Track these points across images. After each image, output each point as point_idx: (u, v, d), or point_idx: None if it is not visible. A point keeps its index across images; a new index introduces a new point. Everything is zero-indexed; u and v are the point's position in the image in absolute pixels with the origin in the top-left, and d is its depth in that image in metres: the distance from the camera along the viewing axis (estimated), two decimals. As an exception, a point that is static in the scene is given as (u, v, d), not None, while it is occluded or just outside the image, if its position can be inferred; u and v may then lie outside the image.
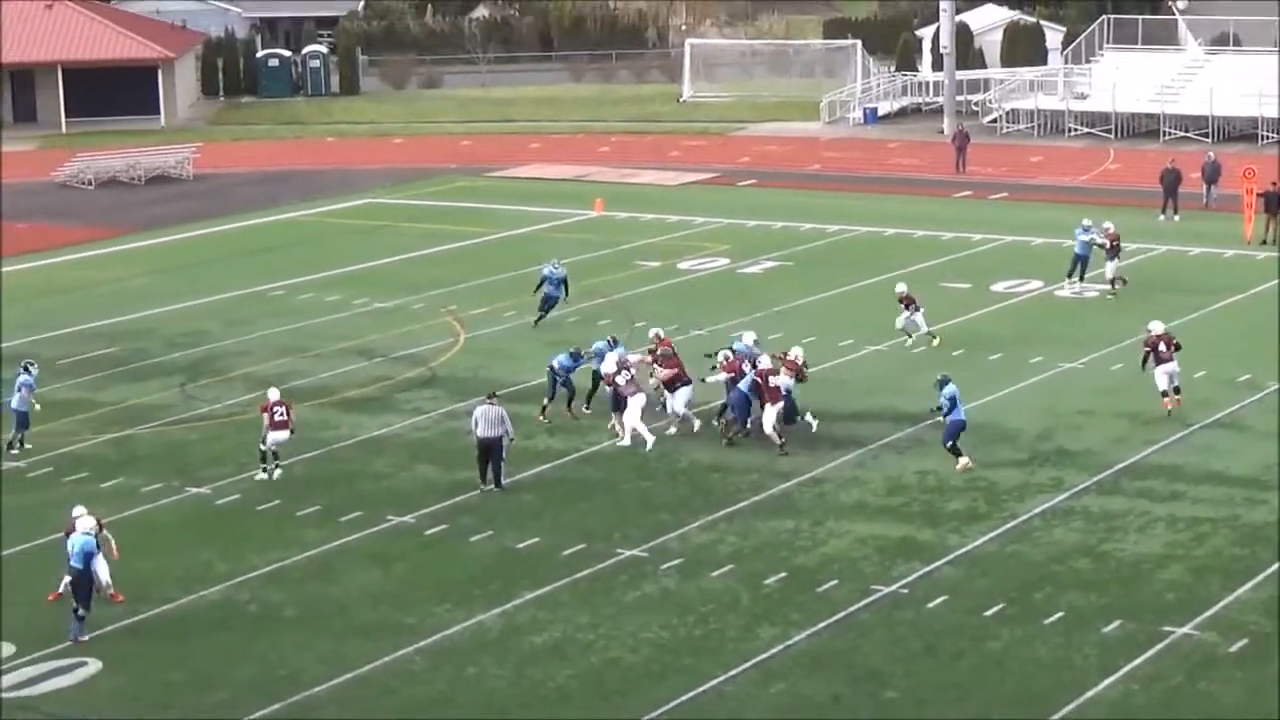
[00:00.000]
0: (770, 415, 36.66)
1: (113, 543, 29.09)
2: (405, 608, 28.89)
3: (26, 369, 38.36)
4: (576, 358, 39.10)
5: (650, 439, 36.86)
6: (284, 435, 35.80)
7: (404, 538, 32.17)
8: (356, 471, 36.00)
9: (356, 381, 42.53)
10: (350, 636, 27.84)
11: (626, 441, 37.08)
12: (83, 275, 56.71)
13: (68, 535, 28.28)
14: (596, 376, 38.74)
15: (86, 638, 27.54)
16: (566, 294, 47.10)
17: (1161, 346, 38.62)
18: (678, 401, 37.62)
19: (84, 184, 75.57)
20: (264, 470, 35.67)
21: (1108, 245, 49.63)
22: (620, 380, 37.34)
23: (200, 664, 27.02)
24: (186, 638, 27.92)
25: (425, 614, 28.61)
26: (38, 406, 38.08)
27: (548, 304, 46.69)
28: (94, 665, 26.90)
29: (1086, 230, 50.13)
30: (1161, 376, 38.57)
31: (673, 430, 37.46)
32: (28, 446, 37.61)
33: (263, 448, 35.72)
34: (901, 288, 44.73)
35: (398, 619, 28.45)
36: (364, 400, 41.05)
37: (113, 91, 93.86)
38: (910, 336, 44.23)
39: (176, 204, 70.67)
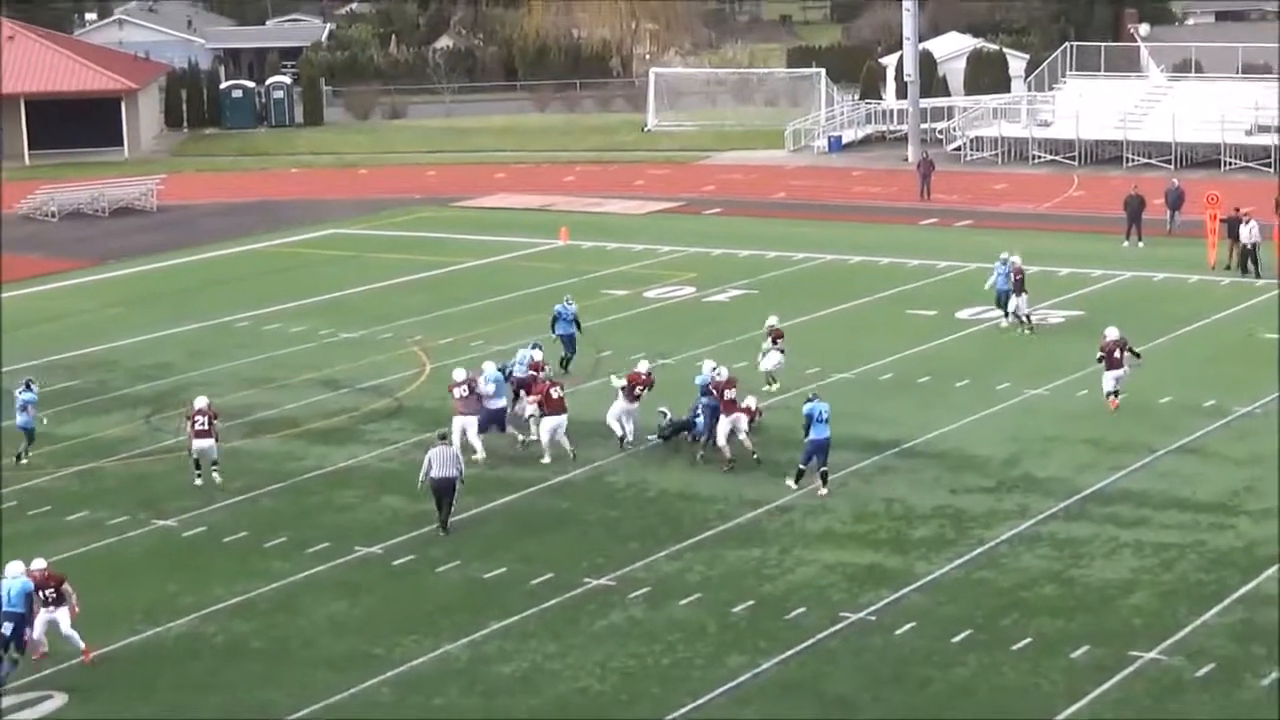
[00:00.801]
0: (724, 428, 37.01)
1: (74, 597, 28.20)
2: (373, 638, 28.81)
3: (28, 385, 39.36)
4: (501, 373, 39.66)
5: (480, 453, 37.59)
6: (207, 444, 36.56)
7: (371, 568, 32.09)
8: (323, 503, 35.91)
9: (323, 412, 42.45)
10: (318, 667, 27.75)
11: (480, 455, 37.54)
12: (46, 307, 56.54)
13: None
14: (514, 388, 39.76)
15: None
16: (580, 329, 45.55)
17: (1116, 353, 40.65)
18: (543, 429, 37.78)
19: (48, 216, 75.38)
20: (198, 477, 36.59)
21: (1013, 280, 48.88)
22: (456, 394, 37.83)
23: (167, 696, 26.90)
24: (153, 670, 27.79)
25: (393, 644, 28.53)
26: (44, 420, 39.35)
27: (570, 345, 44.85)
28: (60, 699, 26.75)
29: (1005, 263, 49.47)
30: (1109, 379, 40.73)
31: (545, 459, 37.66)
32: (24, 460, 38.61)
33: (192, 455, 36.75)
34: (773, 320, 43.74)
35: (365, 650, 28.36)
36: (330, 431, 40.97)
37: (76, 123, 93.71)
38: (775, 381, 42.83)
39: (140, 235, 70.55)
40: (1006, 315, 49.05)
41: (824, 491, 35.26)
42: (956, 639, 28.11)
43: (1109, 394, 40.86)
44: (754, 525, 33.77)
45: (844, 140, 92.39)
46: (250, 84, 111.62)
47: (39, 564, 28.22)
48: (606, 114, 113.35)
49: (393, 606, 30.25)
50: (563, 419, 37.65)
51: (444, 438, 34.87)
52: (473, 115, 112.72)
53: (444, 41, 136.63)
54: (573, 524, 34.18)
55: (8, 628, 26.95)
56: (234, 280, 60.73)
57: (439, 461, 33.77)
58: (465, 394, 37.76)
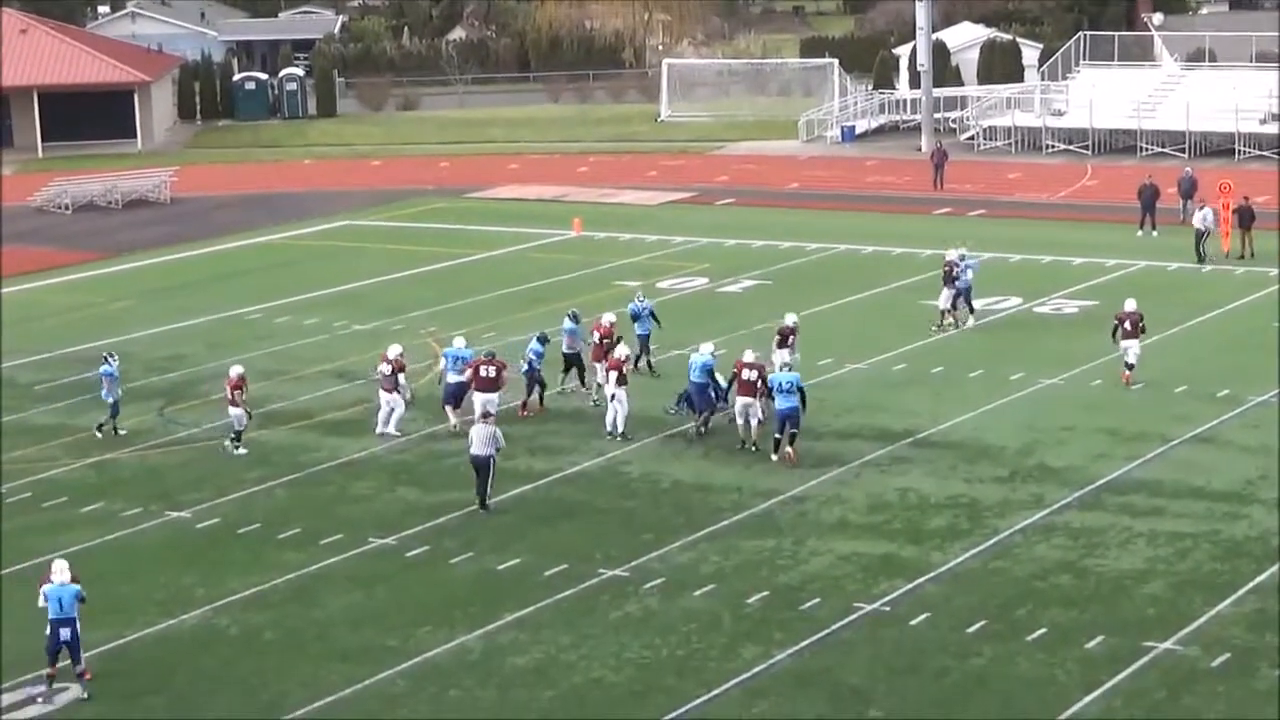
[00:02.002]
0: (740, 408, 37.64)
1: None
2: (387, 630, 28.82)
3: (106, 359, 40.26)
4: (544, 340, 41.11)
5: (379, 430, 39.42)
6: (234, 413, 38.28)
7: (385, 560, 32.10)
8: (337, 494, 35.93)
9: (336, 404, 42.47)
10: (332, 660, 27.76)
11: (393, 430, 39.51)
12: (60, 300, 56.60)
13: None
14: (568, 359, 41.77)
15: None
16: (659, 324, 44.74)
17: (1129, 325, 41.66)
18: (475, 404, 38.47)
19: (61, 208, 75.46)
20: (237, 446, 38.40)
21: (944, 272, 48.40)
22: (384, 370, 39.36)
23: (181, 689, 26.92)
24: (167, 662, 27.81)
25: (407, 636, 28.54)
26: (120, 392, 40.24)
27: (645, 345, 43.97)
28: (75, 690, 26.76)
29: (963, 258, 48.81)
30: (1125, 349, 41.78)
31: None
32: (122, 432, 40.01)
33: (238, 426, 38.43)
34: (791, 318, 42.87)
35: (379, 641, 28.37)
36: (344, 422, 40.98)
37: (89, 115, 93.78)
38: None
39: (153, 228, 70.60)
40: (972, 311, 48.65)
41: (774, 458, 36.60)
42: (971, 629, 28.09)
43: (1127, 366, 41.72)
44: (768, 515, 33.75)
45: (857, 130, 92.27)
46: (263, 76, 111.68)
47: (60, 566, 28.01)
48: (619, 105, 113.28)
49: (407, 598, 30.25)
50: (492, 397, 38.27)
51: (486, 416, 35.22)
52: (486, 106, 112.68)
53: (457, 33, 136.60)
54: (587, 515, 34.19)
55: (65, 633, 26.35)
56: (247, 272, 60.77)
57: (478, 439, 34.34)
58: (387, 373, 39.32)
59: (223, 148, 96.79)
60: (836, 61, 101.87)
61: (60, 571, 26.87)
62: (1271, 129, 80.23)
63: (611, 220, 68.01)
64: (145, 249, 65.73)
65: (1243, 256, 56.49)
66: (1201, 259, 55.91)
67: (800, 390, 36.89)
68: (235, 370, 38.85)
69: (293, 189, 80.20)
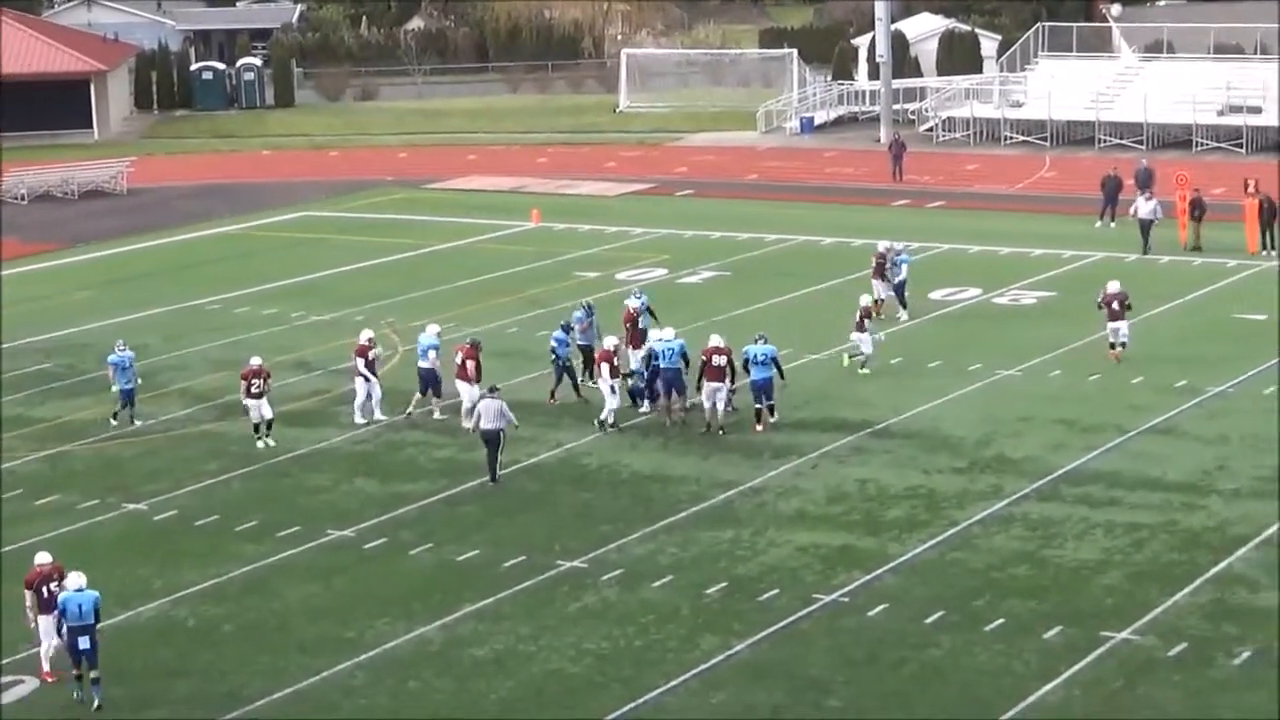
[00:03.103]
0: (707, 393, 37.99)
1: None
2: (345, 622, 28.77)
3: (116, 349, 40.26)
4: (567, 329, 41.19)
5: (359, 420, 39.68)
6: (256, 403, 38.01)
7: (343, 552, 32.04)
8: (295, 486, 35.86)
9: (294, 395, 42.34)
10: (290, 651, 27.71)
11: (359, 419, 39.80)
12: (16, 290, 56.29)
13: (34, 588, 26.81)
14: (583, 350, 41.43)
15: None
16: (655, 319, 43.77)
17: (1115, 305, 42.80)
18: (462, 394, 38.95)
19: (17, 199, 75.10)
20: (258, 439, 38.09)
21: (874, 264, 48.35)
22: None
23: (139, 681, 26.83)
24: (125, 654, 27.68)
25: (365, 628, 28.50)
26: (130, 381, 40.05)
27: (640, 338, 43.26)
28: (31, 683, 26.67)
29: (899, 254, 48.53)
30: (1111, 331, 43.11)
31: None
32: (114, 423, 39.87)
33: (254, 419, 38.18)
34: (866, 299, 43.88)
35: (338, 633, 28.33)
36: (302, 413, 40.88)
37: (45, 105, 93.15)
38: (853, 356, 42.72)
39: (110, 218, 70.32)
40: (904, 306, 48.42)
41: (759, 428, 37.60)
42: (929, 620, 28.14)
43: (1111, 345, 42.82)
44: (726, 506, 33.77)
45: (816, 121, 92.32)
46: (221, 66, 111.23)
47: (44, 558, 27.58)
48: (578, 95, 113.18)
49: (365, 590, 30.21)
50: (470, 389, 38.41)
51: (493, 390, 35.62)
52: (444, 97, 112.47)
53: (415, 23, 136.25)
54: (545, 506, 34.17)
55: (84, 641, 25.87)
56: (205, 263, 60.57)
57: (487, 414, 34.87)
58: (364, 363, 39.68)
59: (180, 138, 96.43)
60: (795, 52, 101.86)
61: (74, 580, 26.37)
62: (1229, 120, 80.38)
63: (570, 211, 67.96)
64: (102, 240, 65.48)
65: (1198, 248, 56.69)
66: (1147, 249, 56.15)
67: (775, 362, 38.05)
68: (254, 361, 38.84)
69: (251, 179, 79.97)
